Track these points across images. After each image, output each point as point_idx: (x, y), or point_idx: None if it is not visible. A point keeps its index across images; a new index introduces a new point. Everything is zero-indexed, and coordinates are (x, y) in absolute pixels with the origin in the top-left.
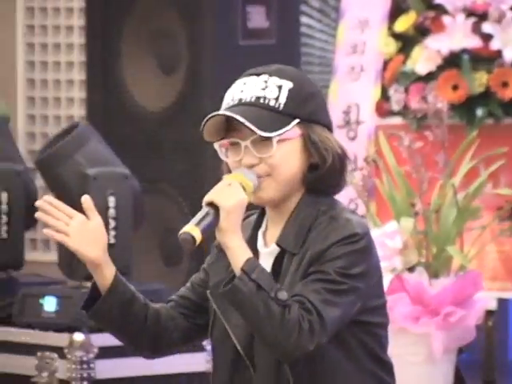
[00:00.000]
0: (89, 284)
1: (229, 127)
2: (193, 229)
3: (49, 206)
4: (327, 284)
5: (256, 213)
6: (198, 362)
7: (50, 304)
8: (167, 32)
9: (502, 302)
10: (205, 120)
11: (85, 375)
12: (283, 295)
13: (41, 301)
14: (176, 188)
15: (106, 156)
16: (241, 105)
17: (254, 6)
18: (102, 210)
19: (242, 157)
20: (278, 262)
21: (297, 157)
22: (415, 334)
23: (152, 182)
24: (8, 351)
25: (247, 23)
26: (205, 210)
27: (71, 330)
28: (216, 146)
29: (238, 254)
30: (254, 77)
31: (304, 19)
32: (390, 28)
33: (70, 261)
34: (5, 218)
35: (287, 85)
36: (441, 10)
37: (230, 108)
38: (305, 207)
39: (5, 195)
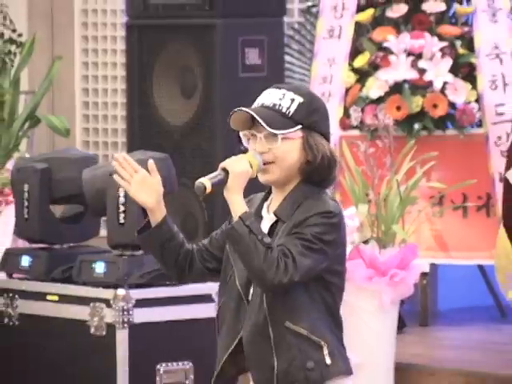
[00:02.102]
0: (128, 252)
1: (252, 122)
2: (206, 181)
3: (123, 160)
4: (304, 241)
5: (265, 191)
6: (209, 310)
7: (99, 267)
8: (187, 67)
9: (433, 266)
10: (230, 114)
11: (125, 320)
12: (268, 239)
13: (93, 265)
14: (193, 182)
15: None
16: (261, 107)
17: (250, 48)
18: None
19: (258, 146)
20: (273, 226)
21: (296, 153)
22: (369, 290)
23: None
24: (69, 302)
25: (245, 61)
26: (218, 171)
27: (115, 286)
28: (241, 134)
29: (238, 207)
30: (277, 89)
31: (287, 58)
32: (350, 64)
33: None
34: (122, 208)
35: (298, 99)
36: (388, 51)
37: (253, 108)
38: (299, 191)
39: (122, 189)
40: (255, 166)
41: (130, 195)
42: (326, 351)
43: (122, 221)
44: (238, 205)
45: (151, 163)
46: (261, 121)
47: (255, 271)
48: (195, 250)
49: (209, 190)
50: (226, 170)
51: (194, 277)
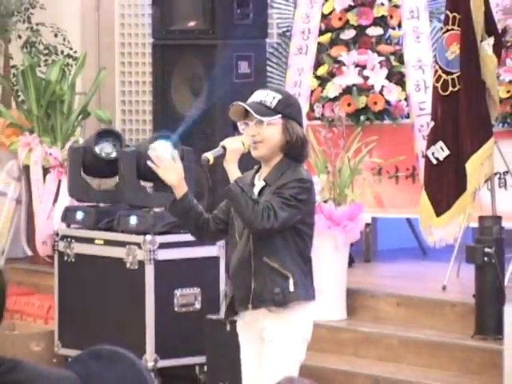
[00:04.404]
0: (156, 209)
1: (246, 114)
2: (209, 155)
3: (154, 153)
4: (283, 199)
5: (257, 166)
6: (212, 250)
7: (133, 220)
8: (196, 74)
9: (373, 219)
10: (229, 106)
11: (152, 258)
12: (255, 196)
13: (128, 218)
14: (199, 158)
15: None
16: (252, 103)
17: (242, 61)
18: None
19: (250, 130)
20: (262, 189)
21: (278, 134)
22: (328, 235)
23: None
24: (111, 245)
25: (238, 70)
26: (219, 148)
27: (145, 233)
28: (238, 123)
29: (234, 174)
30: (263, 90)
31: (268, 68)
32: (314, 73)
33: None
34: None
35: (278, 96)
36: (341, 63)
37: (246, 103)
38: (282, 164)
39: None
40: (247, 144)
41: (160, 175)
42: (291, 282)
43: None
44: (233, 172)
45: (176, 154)
46: (251, 110)
47: (246, 220)
48: (210, 217)
49: (211, 161)
50: (224, 147)
51: (210, 237)
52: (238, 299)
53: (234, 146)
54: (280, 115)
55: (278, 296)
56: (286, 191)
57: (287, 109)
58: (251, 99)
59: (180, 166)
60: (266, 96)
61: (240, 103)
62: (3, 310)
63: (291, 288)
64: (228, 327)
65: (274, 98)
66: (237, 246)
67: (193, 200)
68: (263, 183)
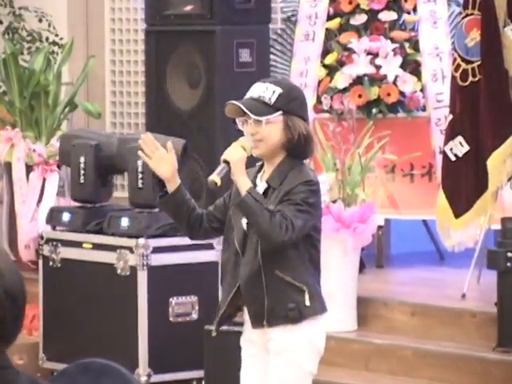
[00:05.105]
0: (148, 210)
1: (243, 111)
2: (215, 177)
3: (148, 139)
4: (295, 206)
5: (259, 164)
6: (211, 255)
7: (124, 221)
8: (193, 64)
9: (386, 221)
10: (226, 105)
11: (145, 263)
12: (271, 207)
13: (119, 220)
14: (198, 154)
15: None
16: (249, 99)
17: (243, 49)
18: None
19: (249, 129)
20: (265, 192)
21: (279, 133)
22: (337, 239)
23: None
24: (101, 249)
25: (239, 59)
26: (222, 165)
27: (137, 236)
28: (237, 120)
29: (244, 185)
30: (262, 83)
31: (272, 57)
32: (321, 62)
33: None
34: (140, 175)
35: (279, 90)
36: (351, 51)
37: (242, 101)
38: (285, 163)
39: (140, 161)
40: (248, 148)
41: (151, 167)
42: (306, 295)
43: (140, 186)
44: (243, 183)
45: (169, 144)
46: (247, 111)
47: (263, 233)
48: (204, 213)
49: (219, 183)
50: (227, 162)
51: (202, 234)
52: (251, 317)
53: (236, 157)
54: (280, 112)
55: (292, 312)
56: (296, 196)
57: (288, 104)
58: (249, 94)
59: (174, 156)
60: (264, 91)
61: (235, 102)
62: (23, 319)
63: (307, 302)
64: (231, 339)
65: (273, 92)
66: (236, 254)
67: (186, 194)
68: (265, 185)
